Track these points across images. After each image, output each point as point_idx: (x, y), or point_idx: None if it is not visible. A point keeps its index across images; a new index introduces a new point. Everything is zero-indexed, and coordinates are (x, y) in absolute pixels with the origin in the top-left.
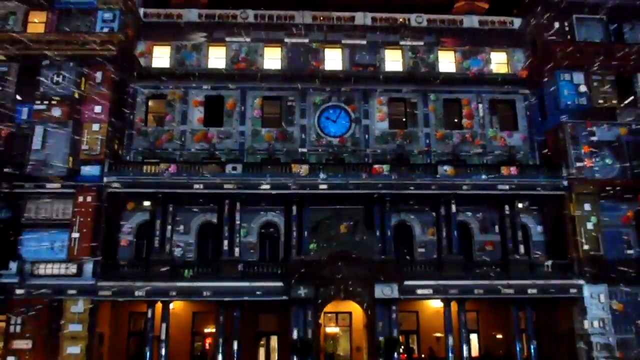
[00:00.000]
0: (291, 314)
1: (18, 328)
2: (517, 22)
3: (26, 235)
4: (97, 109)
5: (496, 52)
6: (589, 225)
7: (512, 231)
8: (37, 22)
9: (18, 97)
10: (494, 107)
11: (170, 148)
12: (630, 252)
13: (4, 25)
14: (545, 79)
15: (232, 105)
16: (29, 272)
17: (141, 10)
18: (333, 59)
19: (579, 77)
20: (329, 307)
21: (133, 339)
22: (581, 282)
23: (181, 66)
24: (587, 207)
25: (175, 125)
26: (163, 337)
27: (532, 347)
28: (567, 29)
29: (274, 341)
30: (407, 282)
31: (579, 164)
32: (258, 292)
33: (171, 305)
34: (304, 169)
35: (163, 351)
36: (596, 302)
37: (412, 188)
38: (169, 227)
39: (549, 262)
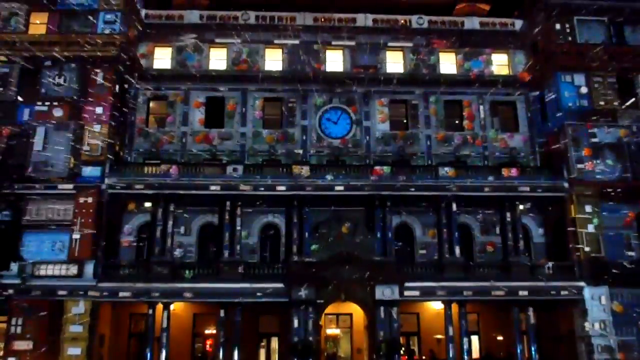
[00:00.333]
0: (292, 315)
1: (19, 329)
2: (518, 24)
3: (27, 236)
4: (99, 110)
5: (497, 53)
6: (590, 227)
7: (513, 233)
8: (39, 24)
9: (19, 98)
10: (495, 109)
11: (171, 149)
12: (631, 253)
13: (6, 26)
14: (546, 81)
15: (233, 106)
16: (30, 273)
17: (143, 12)
18: (334, 61)
19: (580, 78)
20: (329, 309)
21: (134, 340)
22: (582, 283)
23: (182, 67)
24: (588, 208)
25: (177, 126)
26: (164, 338)
27: (532, 349)
28: (568, 30)
29: (274, 342)
30: (407, 284)
31: (579, 166)
32: (259, 294)
33: (172, 307)
34: (304, 170)
35: (164, 352)
36: (597, 303)
37: (413, 189)
38: (170, 228)
39: (550, 264)
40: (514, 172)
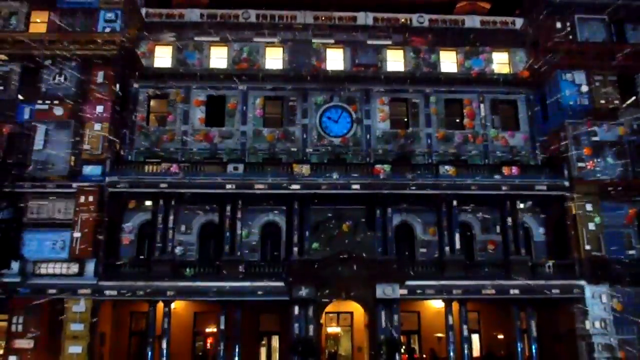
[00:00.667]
0: (292, 313)
1: (20, 327)
2: (518, 22)
3: (28, 235)
4: (99, 108)
5: (498, 52)
6: (591, 226)
7: (514, 231)
8: (39, 22)
9: (20, 97)
10: (495, 107)
11: (171, 148)
12: (632, 252)
13: (6, 25)
14: (547, 79)
15: (234, 105)
16: (31, 272)
17: (143, 10)
18: (335, 59)
19: (580, 77)
20: (330, 307)
21: (134, 339)
22: (583, 282)
23: (183, 66)
24: (588, 207)
25: (177, 125)
26: (164, 336)
27: (533, 347)
28: (568, 29)
29: (275, 341)
30: (408, 282)
31: (580, 164)
32: (259, 292)
33: (172, 305)
34: (305, 169)
35: (164, 351)
36: (598, 302)
37: (413, 188)
38: (171, 227)
39: (551, 263)
40: (514, 170)
